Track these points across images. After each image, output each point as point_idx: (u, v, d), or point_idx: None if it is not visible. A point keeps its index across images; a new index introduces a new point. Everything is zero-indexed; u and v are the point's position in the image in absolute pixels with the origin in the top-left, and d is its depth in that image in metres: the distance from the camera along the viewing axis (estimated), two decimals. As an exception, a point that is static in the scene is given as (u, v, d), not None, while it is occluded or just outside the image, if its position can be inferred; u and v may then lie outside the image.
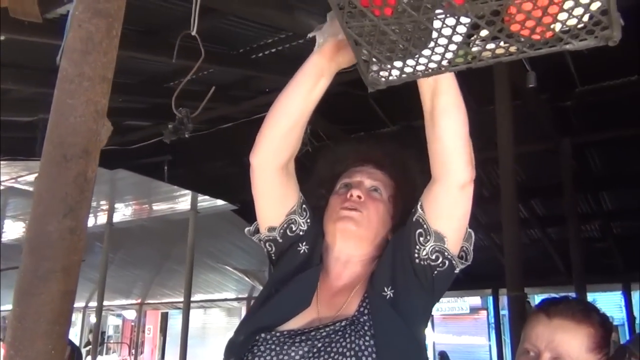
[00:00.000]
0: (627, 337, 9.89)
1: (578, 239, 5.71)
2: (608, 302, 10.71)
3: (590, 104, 5.05)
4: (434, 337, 13.52)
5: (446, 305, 13.02)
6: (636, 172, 6.19)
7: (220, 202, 7.84)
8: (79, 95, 0.74)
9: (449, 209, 1.12)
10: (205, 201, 8.15)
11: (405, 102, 5.24)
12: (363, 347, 1.08)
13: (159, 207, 9.03)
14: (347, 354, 1.07)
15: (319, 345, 1.10)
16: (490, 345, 12.23)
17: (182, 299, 9.29)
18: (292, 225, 1.26)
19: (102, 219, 9.38)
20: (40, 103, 4.37)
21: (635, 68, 4.69)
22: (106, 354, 17.37)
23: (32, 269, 0.69)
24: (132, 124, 5.44)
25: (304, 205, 1.27)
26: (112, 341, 18.94)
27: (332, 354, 1.08)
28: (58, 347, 0.68)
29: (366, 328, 1.11)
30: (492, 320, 11.52)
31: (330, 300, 1.18)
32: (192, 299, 9.12)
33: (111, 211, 9.05)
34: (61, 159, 0.72)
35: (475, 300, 12.70)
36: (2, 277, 11.69)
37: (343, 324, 1.12)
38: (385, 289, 1.15)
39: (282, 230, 1.25)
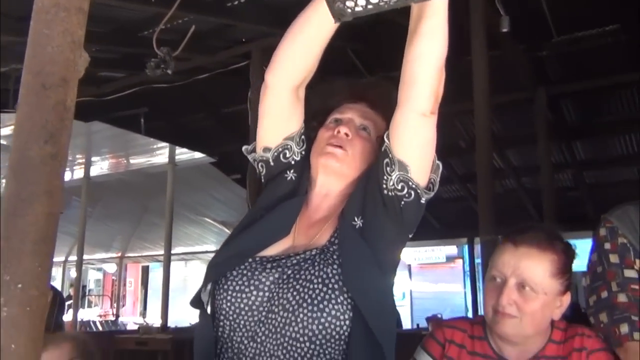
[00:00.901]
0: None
1: (551, 188, 5.85)
2: (580, 249, 11.05)
3: (566, 54, 5.10)
4: (411, 285, 13.88)
5: (423, 255, 13.31)
6: (609, 122, 6.31)
7: (198, 154, 7.82)
8: (55, 26, 0.75)
9: (410, 136, 1.14)
10: (184, 154, 8.13)
11: (383, 53, 5.23)
12: (330, 275, 1.12)
13: (137, 160, 8.98)
14: (315, 280, 1.11)
15: (289, 272, 1.14)
16: (465, 292, 12.60)
17: (162, 252, 9.36)
18: (287, 151, 1.28)
19: (79, 173, 9.33)
20: (12, 52, 4.27)
21: (611, 18, 4.73)
22: (88, 307, 17.53)
23: (16, 192, 0.72)
24: (107, 75, 5.35)
25: (302, 136, 1.30)
26: (93, 294, 19.10)
27: (301, 281, 1.12)
28: (44, 265, 0.72)
29: (335, 257, 1.15)
30: (467, 268, 11.84)
31: (306, 230, 1.22)
32: (172, 251, 9.20)
33: (88, 165, 8.98)
34: (40, 87, 0.74)
35: (451, 250, 12.99)
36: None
37: (313, 252, 1.16)
38: (356, 219, 1.18)
39: (275, 154, 1.28)
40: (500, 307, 1.29)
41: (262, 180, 1.34)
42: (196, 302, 1.18)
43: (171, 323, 8.23)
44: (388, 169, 1.16)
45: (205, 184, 9.05)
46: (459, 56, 4.98)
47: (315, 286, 1.11)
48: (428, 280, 13.55)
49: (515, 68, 5.09)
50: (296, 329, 1.09)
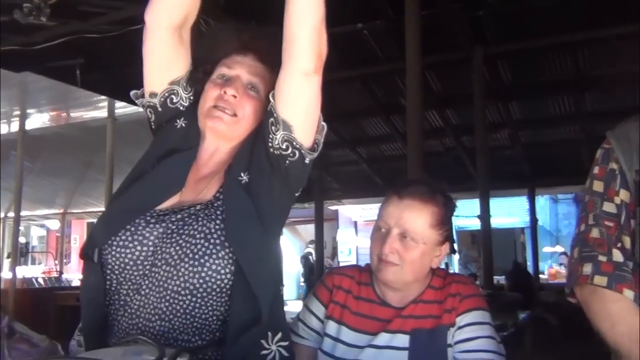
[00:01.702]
0: (530, 239, 10.73)
1: (484, 147, 6.02)
2: (515, 207, 11.49)
3: (503, 14, 5.17)
4: (357, 242, 14.18)
5: (369, 212, 13.56)
6: (545, 82, 6.49)
7: (139, 108, 7.63)
8: None
9: (293, 96, 1.15)
10: (124, 107, 7.93)
11: (329, 2, 5.18)
12: (213, 230, 1.13)
13: (76, 113, 8.70)
14: (197, 236, 1.12)
15: (173, 227, 1.14)
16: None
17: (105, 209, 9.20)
18: (174, 97, 1.26)
19: (15, 126, 9.00)
20: None
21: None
22: (32, 264, 17.18)
23: None
24: (37, 23, 5.11)
25: (190, 81, 1.27)
26: (37, 251, 18.71)
27: (184, 236, 1.13)
28: None
29: (219, 212, 1.16)
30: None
31: (194, 185, 1.22)
32: (115, 207, 9.06)
33: (23, 117, 8.66)
34: None
35: (395, 207, 13.27)
36: None
37: (198, 208, 1.17)
38: (242, 174, 1.19)
39: (162, 99, 1.26)
40: (384, 256, 1.36)
41: (152, 127, 1.32)
42: (84, 254, 1.17)
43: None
44: (273, 128, 1.17)
45: (148, 138, 8.85)
46: (397, 15, 5.00)
47: (197, 241, 1.12)
48: (373, 236, 13.85)
49: (452, 27, 5.14)
50: (178, 282, 1.11)
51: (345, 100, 6.93)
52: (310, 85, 1.14)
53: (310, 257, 12.97)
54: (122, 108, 7.99)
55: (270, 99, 1.17)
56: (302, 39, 1.11)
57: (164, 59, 1.24)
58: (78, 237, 17.45)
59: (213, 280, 1.11)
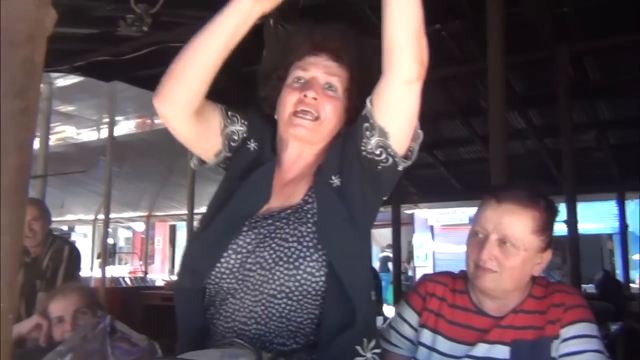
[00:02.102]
0: (620, 245, 10.17)
1: (571, 149, 5.75)
2: (602, 212, 10.92)
3: (589, 9, 4.93)
4: (434, 247, 13.92)
5: (446, 217, 13.32)
6: (634, 81, 6.13)
7: (219, 115, 7.86)
8: (20, -17, 0.78)
9: (393, 104, 1.14)
10: (205, 114, 8.18)
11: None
12: (305, 233, 1.14)
13: (160, 120, 9.08)
14: (290, 239, 1.14)
15: (265, 232, 1.16)
16: (488, 254, 12.59)
17: (187, 212, 9.54)
18: (233, 137, 1.28)
19: (105, 133, 9.49)
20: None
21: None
22: (119, 264, 18.06)
23: (-13, 145, 0.76)
24: (124, 34, 5.37)
25: (229, 113, 1.28)
26: (123, 252, 19.64)
27: (276, 240, 1.15)
28: (16, 215, 0.76)
29: (309, 215, 1.17)
30: (489, 230, 11.80)
31: (280, 190, 1.23)
32: (196, 211, 9.36)
33: (112, 124, 9.11)
34: (7, 44, 0.77)
35: (474, 211, 12.92)
36: None
37: (288, 212, 1.18)
38: (333, 177, 1.19)
39: (227, 148, 1.28)
40: (482, 262, 1.32)
41: (228, 170, 1.32)
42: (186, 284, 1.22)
43: (196, 280, 8.44)
44: (368, 132, 1.16)
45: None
46: (477, 13, 4.88)
47: (290, 244, 1.13)
48: (450, 242, 13.57)
49: (536, 25, 4.95)
50: (273, 286, 1.12)
51: (423, 102, 6.81)
52: (412, 94, 1.13)
53: (387, 261, 12.87)
54: (203, 114, 8.25)
55: (368, 104, 1.17)
56: (403, 46, 1.09)
57: (201, 133, 1.25)
58: (161, 239, 18.15)
59: (308, 283, 1.12)
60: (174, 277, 12.51)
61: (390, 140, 1.15)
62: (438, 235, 13.88)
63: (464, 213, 13.11)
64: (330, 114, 1.22)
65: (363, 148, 1.18)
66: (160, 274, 16.17)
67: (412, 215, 13.90)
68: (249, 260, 1.15)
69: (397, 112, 1.15)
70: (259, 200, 1.21)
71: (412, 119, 1.17)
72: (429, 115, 7.36)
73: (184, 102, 1.18)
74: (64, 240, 3.26)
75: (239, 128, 1.28)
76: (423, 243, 14.55)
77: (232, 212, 1.20)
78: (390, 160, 1.17)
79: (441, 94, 6.65)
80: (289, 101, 1.22)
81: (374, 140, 1.16)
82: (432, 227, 14.16)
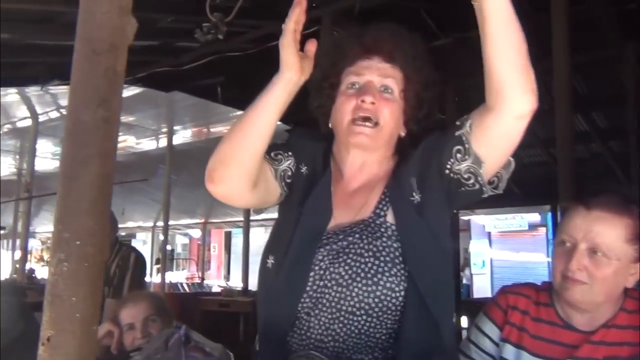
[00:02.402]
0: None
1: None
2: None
3: (659, 6, 4.71)
4: (491, 254, 13.58)
5: (504, 223, 12.97)
6: None
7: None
8: (103, -7, 0.78)
9: (499, 139, 1.11)
10: (260, 122, 8.26)
11: (459, 11, 5.03)
12: (380, 248, 1.12)
13: (216, 128, 9.24)
14: (366, 254, 1.12)
15: (337, 248, 1.14)
16: (548, 262, 12.21)
17: (242, 218, 9.65)
18: (287, 174, 1.26)
19: (163, 142, 9.72)
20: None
21: None
22: (176, 269, 18.46)
23: (72, 154, 0.76)
24: (184, 45, 5.49)
25: (272, 154, 1.24)
26: (181, 258, 20.06)
27: (351, 255, 1.12)
28: (100, 223, 0.76)
29: (383, 229, 1.15)
30: (551, 236, 11.43)
31: (347, 202, 1.21)
32: (251, 218, 9.45)
33: (171, 134, 9.33)
34: (91, 53, 0.77)
35: (534, 217, 12.57)
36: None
37: (361, 226, 1.16)
38: (414, 194, 1.16)
39: (285, 187, 1.25)
40: (570, 273, 1.24)
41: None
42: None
43: (252, 286, 8.53)
44: (459, 155, 1.14)
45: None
46: (539, 12, 4.73)
47: (367, 259, 1.11)
48: (509, 249, 13.22)
49: (600, 23, 4.76)
50: (352, 302, 1.10)
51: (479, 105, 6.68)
52: (520, 128, 1.09)
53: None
54: (258, 122, 8.33)
55: (467, 128, 1.13)
56: (513, 81, 1.04)
57: (260, 196, 1.22)
58: (217, 246, 18.44)
59: (388, 298, 1.09)
60: (230, 284, 12.68)
61: (482, 169, 1.13)
62: (496, 242, 13.53)
63: (522, 219, 12.75)
64: (388, 117, 1.19)
65: (448, 167, 1.15)
66: (216, 280, 16.42)
67: (468, 221, 13.61)
68: (324, 277, 1.13)
69: (500, 145, 1.12)
70: (323, 220, 1.19)
71: (511, 150, 1.14)
72: (487, 119, 7.22)
73: (244, 181, 1.15)
74: (130, 248, 3.32)
75: (287, 163, 1.26)
76: (480, 250, 14.23)
77: (301, 239, 1.17)
78: (477, 186, 1.15)
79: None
80: (346, 109, 1.19)
81: (464, 165, 1.13)
82: (489, 234, 13.81)
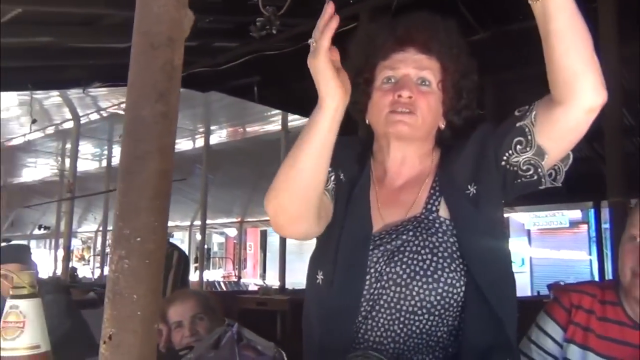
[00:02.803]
0: None
1: (691, 145, 5.30)
2: None
3: None
4: (531, 252, 13.32)
5: (543, 220, 12.71)
6: None
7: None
8: (160, -15, 0.77)
9: (567, 132, 1.08)
10: (296, 120, 8.27)
11: (497, 4, 4.93)
12: (437, 244, 1.09)
13: (252, 128, 9.30)
14: (422, 251, 1.09)
15: (391, 247, 1.11)
16: (591, 260, 11.91)
17: (278, 217, 9.66)
18: (334, 191, 1.20)
19: (200, 142, 9.83)
20: (133, 27, 4.51)
21: None
22: (213, 268, 18.66)
23: (131, 150, 0.75)
24: (221, 46, 5.52)
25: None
26: (217, 257, 20.28)
27: (407, 253, 1.10)
28: (160, 220, 0.75)
29: (437, 225, 1.12)
30: (593, 234, 11.15)
31: (394, 200, 1.18)
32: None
33: (208, 134, 9.42)
34: (148, 47, 0.76)
35: (576, 214, 12.28)
36: (112, 197, 12.60)
37: (414, 223, 1.13)
38: (469, 187, 1.13)
39: (334, 200, 1.20)
40: None
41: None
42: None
43: (288, 285, 8.56)
44: (519, 147, 1.11)
45: (318, 149, 9.17)
46: (585, 2, 4.60)
47: (425, 257, 1.08)
48: (549, 246, 12.95)
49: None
50: (412, 302, 1.07)
51: (522, 100, 6.51)
52: (589, 121, 1.06)
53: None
54: (294, 121, 8.35)
55: (530, 118, 1.10)
56: (583, 74, 1.01)
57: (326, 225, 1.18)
58: (253, 244, 18.56)
59: (450, 295, 1.07)
60: (267, 282, 12.75)
61: (544, 161, 1.10)
62: (535, 239, 13.26)
63: (563, 216, 12.47)
64: (426, 110, 1.16)
65: (505, 159, 1.12)
66: (252, 279, 16.54)
67: (507, 219, 13.38)
68: (380, 279, 1.10)
69: (567, 138, 1.09)
70: (366, 223, 1.16)
71: (576, 143, 1.11)
72: (527, 114, 7.07)
73: (311, 220, 1.11)
74: (173, 246, 3.35)
75: (332, 179, 1.20)
76: (519, 248, 13.96)
77: (348, 248, 1.14)
78: (536, 177, 1.11)
79: (541, 92, 6.34)
80: (383, 103, 1.16)
81: (524, 157, 1.10)
82: (528, 232, 13.54)
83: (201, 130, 9.29)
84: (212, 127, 9.33)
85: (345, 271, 1.12)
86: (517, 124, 1.11)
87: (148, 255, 0.74)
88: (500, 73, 5.75)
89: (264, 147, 9.67)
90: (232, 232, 17.93)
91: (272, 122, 8.75)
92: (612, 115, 3.30)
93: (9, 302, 0.81)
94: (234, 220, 16.05)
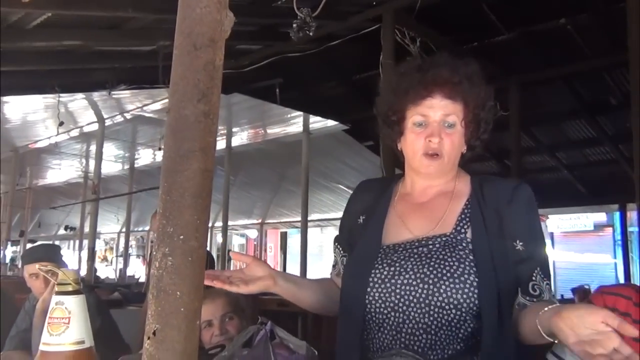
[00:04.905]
0: None
1: None
2: None
3: None
4: (554, 255, 13.14)
5: (567, 223, 12.53)
6: None
7: (331, 122, 7.94)
8: (202, -13, 0.78)
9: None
10: (317, 122, 8.29)
11: (522, 4, 4.89)
12: (464, 256, 1.23)
13: (273, 130, 9.34)
14: (449, 260, 1.23)
15: (418, 252, 1.26)
16: (615, 264, 11.72)
17: (299, 219, 9.70)
18: (342, 262, 1.44)
19: (222, 144, 9.90)
20: (159, 30, 4.56)
21: None
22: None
23: (175, 149, 0.76)
24: (244, 48, 5.56)
25: (335, 265, 1.47)
26: (237, 259, 20.31)
27: (434, 259, 1.23)
28: (202, 218, 0.76)
29: (464, 244, 1.25)
30: (618, 237, 10.98)
31: (420, 214, 1.33)
32: (309, 218, 9.49)
33: (229, 135, 9.48)
34: (191, 48, 0.77)
35: (600, 217, 12.08)
36: (134, 199, 12.73)
37: (443, 239, 1.26)
38: (517, 243, 1.26)
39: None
40: None
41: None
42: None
43: (309, 286, 8.55)
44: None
45: (339, 151, 9.20)
46: (611, 4, 4.54)
47: (452, 263, 1.21)
48: (573, 250, 12.76)
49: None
50: (440, 298, 1.19)
51: (546, 102, 6.47)
52: None
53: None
54: (315, 123, 8.36)
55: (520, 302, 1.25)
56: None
57: None
58: (273, 246, 18.61)
59: (475, 295, 1.18)
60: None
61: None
62: (559, 242, 13.07)
63: (587, 219, 12.29)
64: (451, 148, 1.31)
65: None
66: (273, 280, 16.55)
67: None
68: (409, 277, 1.23)
69: None
70: (379, 227, 1.35)
71: None
72: (552, 116, 6.98)
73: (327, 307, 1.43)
74: None
75: (340, 258, 1.46)
76: (542, 251, 13.79)
77: (362, 248, 1.35)
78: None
79: (565, 92, 6.28)
80: (415, 145, 1.32)
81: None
82: (552, 235, 13.37)
83: (223, 132, 9.35)
84: (234, 129, 9.39)
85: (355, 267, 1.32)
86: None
87: (191, 253, 0.75)
88: (524, 74, 5.71)
89: (285, 149, 9.71)
90: (253, 233, 18.00)
91: (294, 124, 8.77)
92: (639, 115, 3.25)
93: (55, 299, 0.83)
94: (255, 221, 16.12)
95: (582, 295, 7.08)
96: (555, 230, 13.01)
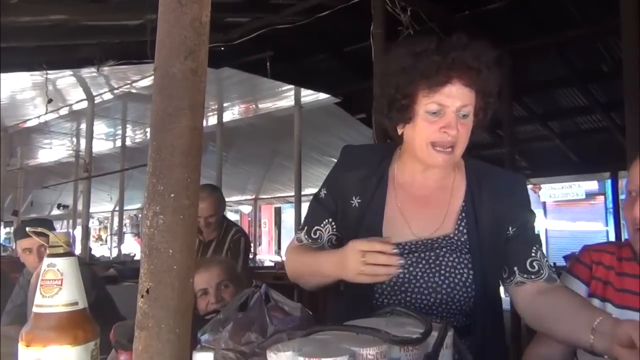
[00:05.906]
0: None
1: None
2: None
3: None
4: (547, 224, 13.25)
5: (560, 192, 12.61)
6: None
7: (323, 95, 7.89)
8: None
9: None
10: (309, 95, 8.24)
11: None
12: (462, 258, 1.27)
13: (265, 104, 9.27)
14: (458, 267, 1.25)
15: (426, 257, 1.27)
16: (607, 231, 11.84)
17: (292, 193, 9.70)
18: (332, 239, 1.41)
19: (213, 119, 9.83)
20: (146, 3, 4.49)
21: None
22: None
23: (163, 107, 0.75)
24: (232, 21, 5.48)
25: (316, 231, 1.41)
26: (232, 234, 20.38)
27: (437, 250, 1.26)
28: (193, 176, 0.75)
29: (467, 248, 1.28)
30: (610, 205, 11.07)
31: (423, 213, 1.31)
32: (303, 193, 9.49)
33: (220, 111, 9.41)
34: (176, 4, 0.76)
35: (592, 185, 12.16)
36: (127, 177, 12.67)
37: (444, 241, 1.28)
38: (510, 229, 1.29)
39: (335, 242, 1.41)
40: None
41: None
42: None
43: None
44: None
45: (331, 124, 9.15)
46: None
47: (461, 270, 1.27)
48: (565, 218, 12.87)
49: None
50: (454, 307, 1.24)
51: (537, 71, 6.44)
52: None
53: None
54: (307, 96, 8.31)
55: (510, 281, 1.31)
56: None
57: None
58: (267, 221, 18.66)
59: (472, 298, 1.27)
60: (282, 258, 12.82)
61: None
62: (551, 211, 13.18)
63: (579, 187, 12.37)
64: (465, 138, 1.25)
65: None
66: (268, 255, 16.66)
67: (522, 191, 13.27)
68: (417, 284, 1.26)
69: None
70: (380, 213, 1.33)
71: None
72: (543, 84, 6.96)
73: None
74: (239, 231, 3.31)
75: (327, 233, 1.40)
76: (535, 220, 13.89)
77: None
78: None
79: (557, 60, 6.25)
80: (425, 132, 1.24)
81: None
82: (544, 204, 13.46)
83: (214, 107, 9.28)
84: (225, 104, 9.32)
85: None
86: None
87: (182, 211, 0.75)
88: (516, 42, 5.67)
89: (277, 124, 9.65)
90: (247, 209, 18.02)
91: (285, 98, 8.71)
92: (631, 83, 3.25)
93: (46, 261, 0.83)
94: (248, 197, 16.12)
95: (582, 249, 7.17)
96: (548, 199, 13.11)
